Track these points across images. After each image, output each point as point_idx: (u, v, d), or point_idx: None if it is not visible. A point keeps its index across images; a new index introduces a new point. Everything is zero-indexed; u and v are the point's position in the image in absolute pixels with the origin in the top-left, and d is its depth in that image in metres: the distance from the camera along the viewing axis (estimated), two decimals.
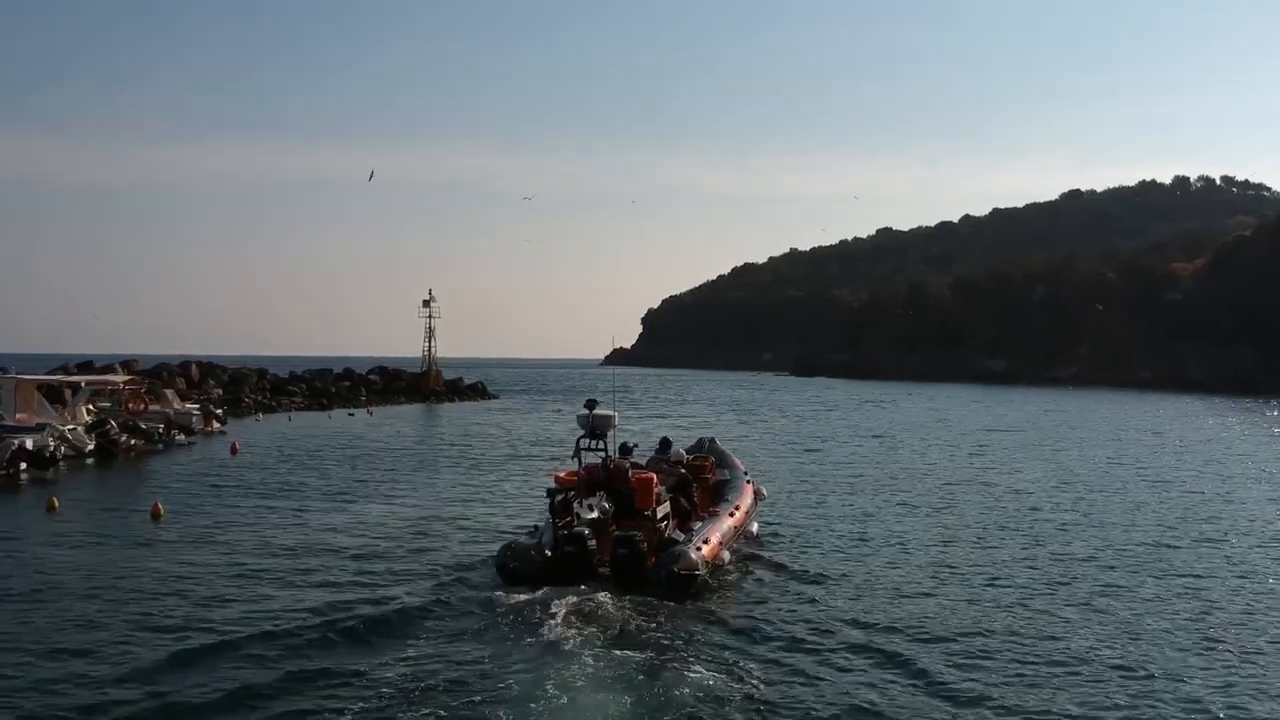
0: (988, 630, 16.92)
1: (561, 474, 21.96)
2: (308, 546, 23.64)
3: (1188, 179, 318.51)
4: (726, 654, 15.41)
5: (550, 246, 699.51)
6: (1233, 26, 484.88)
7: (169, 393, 59.59)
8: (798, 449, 50.89)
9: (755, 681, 14.15)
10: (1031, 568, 22.14)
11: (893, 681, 14.30)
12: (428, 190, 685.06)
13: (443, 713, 12.73)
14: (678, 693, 13.52)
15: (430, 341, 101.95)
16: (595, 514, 20.44)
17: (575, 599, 17.65)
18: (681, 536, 20.25)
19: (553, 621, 16.48)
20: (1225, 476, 39.81)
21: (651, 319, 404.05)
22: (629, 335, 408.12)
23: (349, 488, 33.81)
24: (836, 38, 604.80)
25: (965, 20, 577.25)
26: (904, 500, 32.43)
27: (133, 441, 45.35)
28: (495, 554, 20.32)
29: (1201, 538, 26.01)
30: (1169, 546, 24.77)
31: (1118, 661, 15.33)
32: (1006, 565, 22.33)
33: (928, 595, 19.50)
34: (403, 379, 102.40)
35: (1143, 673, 14.81)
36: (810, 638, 16.38)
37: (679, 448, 25.31)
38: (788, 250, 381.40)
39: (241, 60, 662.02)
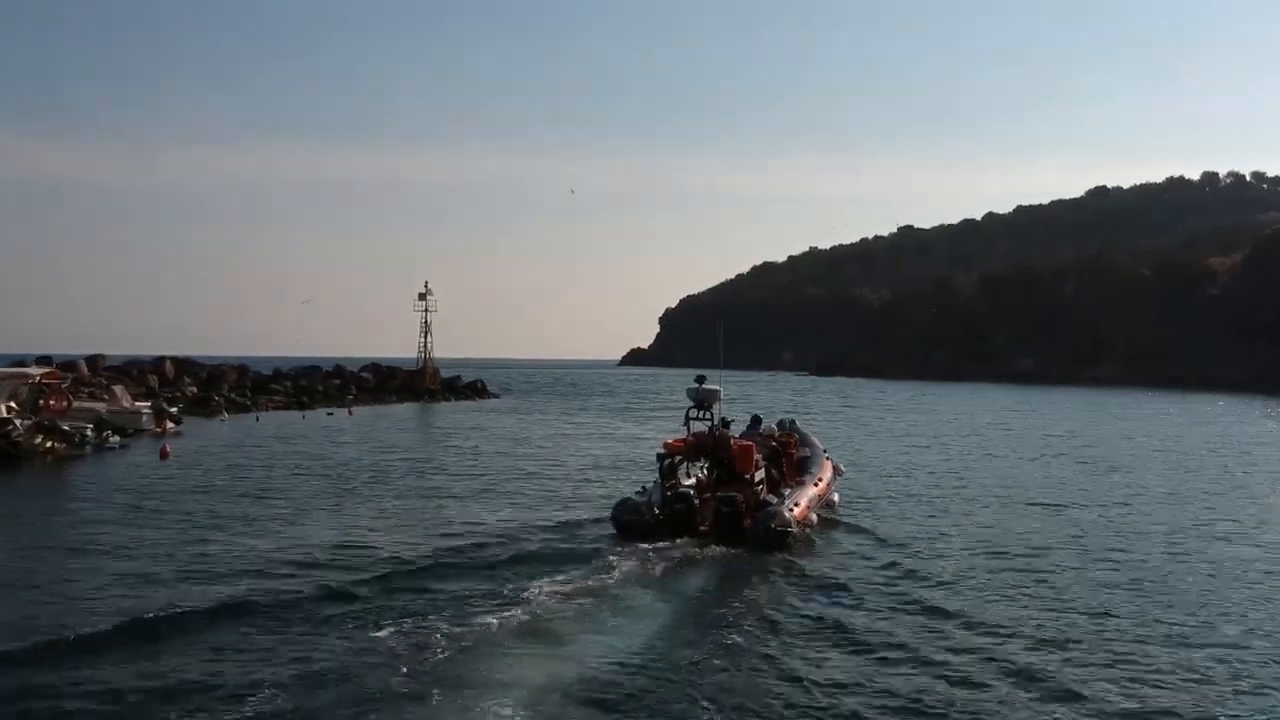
0: (1037, 594, 18.13)
1: (670, 440, 24.03)
2: (143, 588, 17.65)
3: (1217, 175, 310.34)
4: (813, 603, 17.18)
5: (569, 247, 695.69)
6: (1263, 22, 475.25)
7: (118, 390, 53.84)
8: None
9: (835, 628, 15.71)
10: (1090, 552, 22.35)
11: (952, 639, 15.20)
12: (447, 191, 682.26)
13: (587, 646, 14.40)
14: (772, 634, 15.30)
15: (426, 337, 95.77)
16: (692, 481, 23.24)
17: (684, 551, 20.37)
18: (775, 499, 22.52)
19: (665, 569, 19.05)
20: None
21: (669, 319, 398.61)
22: (646, 336, 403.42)
23: (250, 512, 26.41)
24: (855, 37, 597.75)
25: (987, 17, 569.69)
26: (969, 487, 33.48)
27: (50, 444, 39.22)
28: (611, 510, 23.03)
29: None
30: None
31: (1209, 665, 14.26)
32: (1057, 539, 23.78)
33: (990, 559, 21.22)
34: (397, 377, 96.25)
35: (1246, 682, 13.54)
36: (884, 591, 18.04)
37: (768, 424, 27.55)
38: (807, 249, 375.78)
39: (254, 63, 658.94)
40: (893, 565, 20.12)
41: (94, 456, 40.07)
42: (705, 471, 23.48)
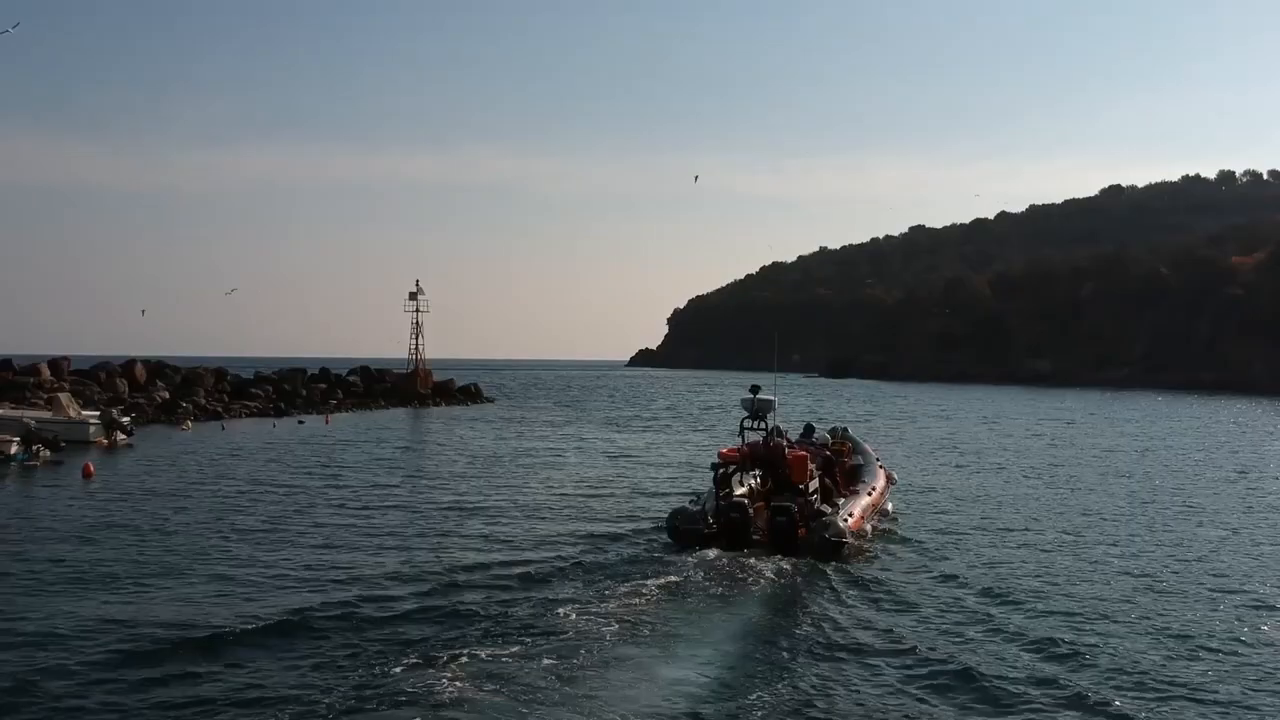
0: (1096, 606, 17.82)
1: (724, 450, 23.83)
2: None
3: (1233, 174, 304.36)
4: (871, 620, 16.86)
5: (577, 247, 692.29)
6: (1277, 18, 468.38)
7: (63, 397, 49.26)
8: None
9: (891, 640, 15.63)
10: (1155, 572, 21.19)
11: (1006, 654, 14.99)
12: (456, 192, 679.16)
13: (642, 648, 14.84)
14: (828, 652, 15.15)
15: (417, 338, 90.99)
16: (745, 489, 23.14)
17: (740, 560, 20.45)
18: (829, 509, 22.63)
19: (721, 581, 19.03)
20: None
21: (678, 319, 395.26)
22: (656, 336, 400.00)
23: (119, 569, 20.36)
24: (865, 35, 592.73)
25: (999, 15, 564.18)
26: (1024, 494, 33.34)
27: None
28: (665, 518, 22.97)
29: None
30: None
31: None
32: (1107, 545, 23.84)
33: (1049, 573, 20.64)
34: (387, 380, 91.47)
35: None
36: (943, 607, 17.75)
37: (821, 432, 28.10)
38: (817, 249, 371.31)
39: (255, 64, 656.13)
40: (950, 579, 19.87)
41: (14, 476, 35.39)
42: (758, 479, 23.66)
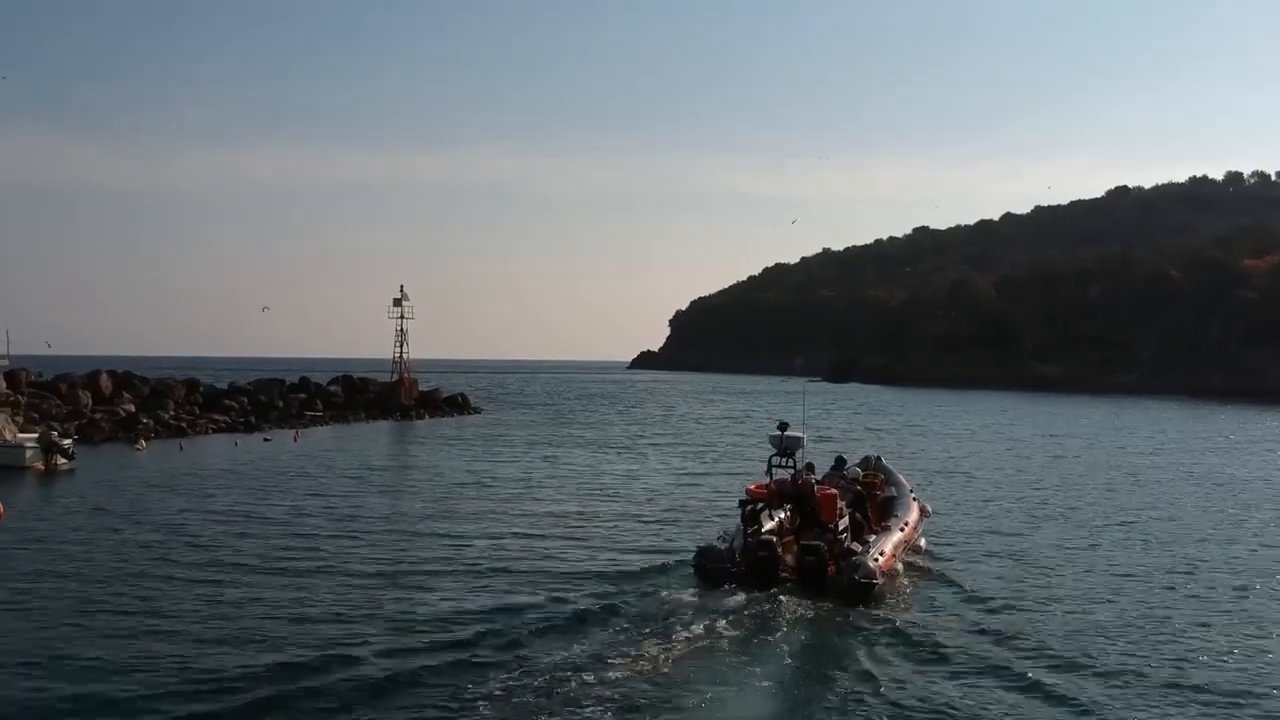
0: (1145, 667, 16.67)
1: (752, 486, 23.68)
2: None
3: (1241, 174, 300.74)
4: (900, 671, 16.43)
5: (579, 247, 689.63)
6: None
7: None
8: None
9: (921, 698, 15.10)
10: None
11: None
12: (457, 192, 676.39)
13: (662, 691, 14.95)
14: (856, 692, 15.29)
15: (402, 346, 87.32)
16: (774, 522, 22.57)
17: (769, 604, 19.71)
18: (859, 548, 22.14)
19: (749, 622, 18.59)
20: None
21: (679, 321, 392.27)
22: (658, 337, 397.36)
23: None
24: (868, 35, 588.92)
25: (1003, 15, 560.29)
26: (1062, 521, 32.31)
27: None
28: (692, 556, 22.44)
29: None
30: None
31: None
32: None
33: (1086, 618, 19.77)
34: (370, 390, 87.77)
35: None
36: (976, 657, 17.07)
37: (853, 465, 27.38)
38: (820, 250, 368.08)
39: (256, 65, 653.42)
40: (987, 629, 19.03)
41: None
42: (788, 512, 23.10)
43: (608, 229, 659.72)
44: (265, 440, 58.95)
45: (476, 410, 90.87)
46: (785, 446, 23.95)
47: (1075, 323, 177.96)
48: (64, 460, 43.95)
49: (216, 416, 68.75)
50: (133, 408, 66.54)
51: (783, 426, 24.04)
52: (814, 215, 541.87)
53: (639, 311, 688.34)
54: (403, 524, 30.74)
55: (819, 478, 24.77)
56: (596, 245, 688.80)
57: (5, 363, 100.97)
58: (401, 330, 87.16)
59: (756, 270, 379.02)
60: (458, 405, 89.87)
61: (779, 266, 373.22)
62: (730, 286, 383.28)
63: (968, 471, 46.99)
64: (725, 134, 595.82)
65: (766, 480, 23.87)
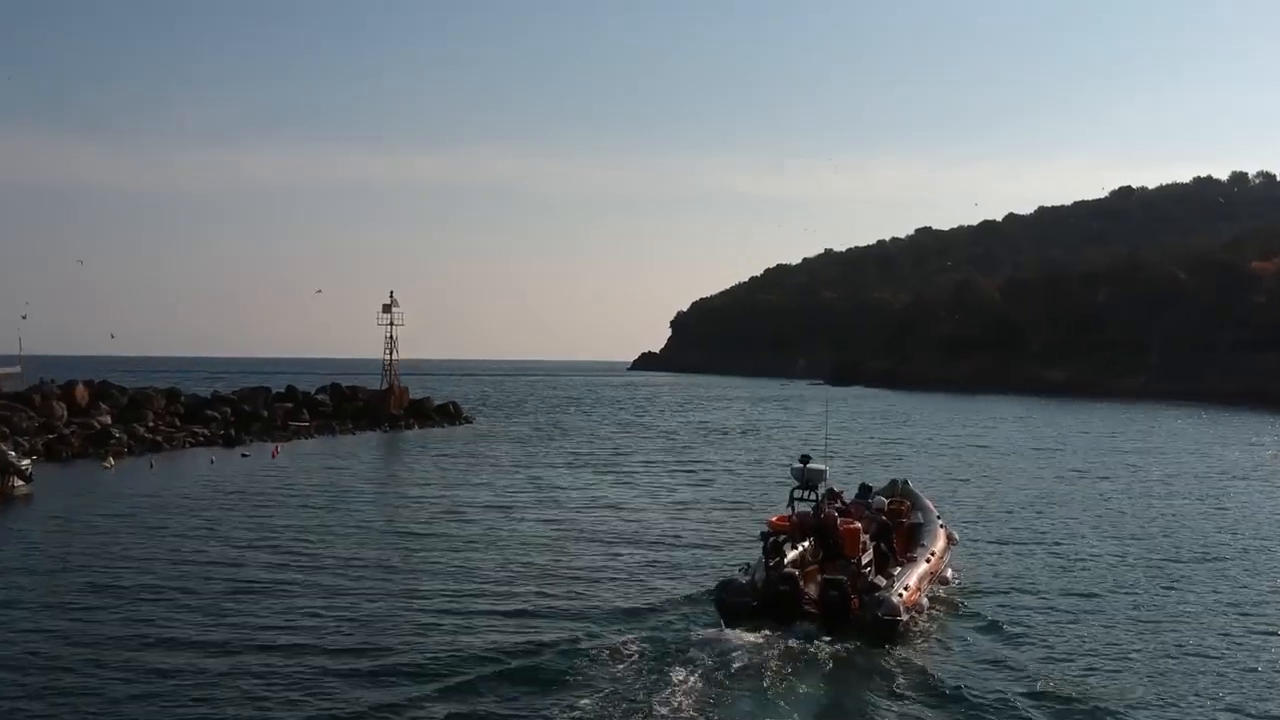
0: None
1: (774, 518, 23.20)
2: None
3: (1246, 175, 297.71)
4: (922, 708, 16.43)
5: (580, 247, 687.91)
6: None
7: None
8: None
9: None
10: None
11: None
12: (457, 192, 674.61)
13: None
14: None
15: (392, 354, 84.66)
16: (796, 553, 21.91)
17: (791, 642, 19.35)
18: (883, 582, 21.54)
19: (770, 662, 18.27)
20: None
21: (680, 322, 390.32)
22: (658, 337, 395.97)
23: None
24: (870, 34, 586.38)
25: (1003, 15, 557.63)
26: (1090, 546, 31.32)
27: None
28: (713, 590, 21.74)
29: None
30: None
31: None
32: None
33: (1123, 660, 19.11)
34: (359, 398, 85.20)
35: None
36: (1003, 705, 16.54)
37: (878, 495, 26.65)
38: (822, 251, 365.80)
39: (257, 66, 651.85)
40: (1015, 669, 18.67)
41: None
42: (810, 545, 22.61)
43: (608, 229, 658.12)
44: (243, 456, 56.14)
45: (468, 420, 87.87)
46: (807, 479, 23.49)
47: (1081, 326, 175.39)
48: (20, 483, 41.31)
49: (196, 429, 66.21)
50: (109, 419, 64.11)
51: (804, 459, 23.64)
52: (814, 215, 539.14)
53: (639, 311, 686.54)
54: (385, 558, 28.57)
55: (844, 504, 24.55)
56: (596, 245, 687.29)
57: (17, 368, 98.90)
58: (391, 337, 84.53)
59: (757, 271, 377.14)
60: (449, 415, 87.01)
61: (780, 267, 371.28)
62: (732, 287, 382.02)
63: (988, 490, 44.93)
64: (725, 134, 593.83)
65: (788, 512, 23.41)
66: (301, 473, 48.54)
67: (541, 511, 37.91)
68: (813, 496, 23.50)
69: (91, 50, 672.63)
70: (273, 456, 55.72)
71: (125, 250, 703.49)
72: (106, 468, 49.73)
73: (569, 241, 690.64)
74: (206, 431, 65.78)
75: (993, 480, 48.87)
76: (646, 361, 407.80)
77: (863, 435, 75.83)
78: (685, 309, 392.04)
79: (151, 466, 50.26)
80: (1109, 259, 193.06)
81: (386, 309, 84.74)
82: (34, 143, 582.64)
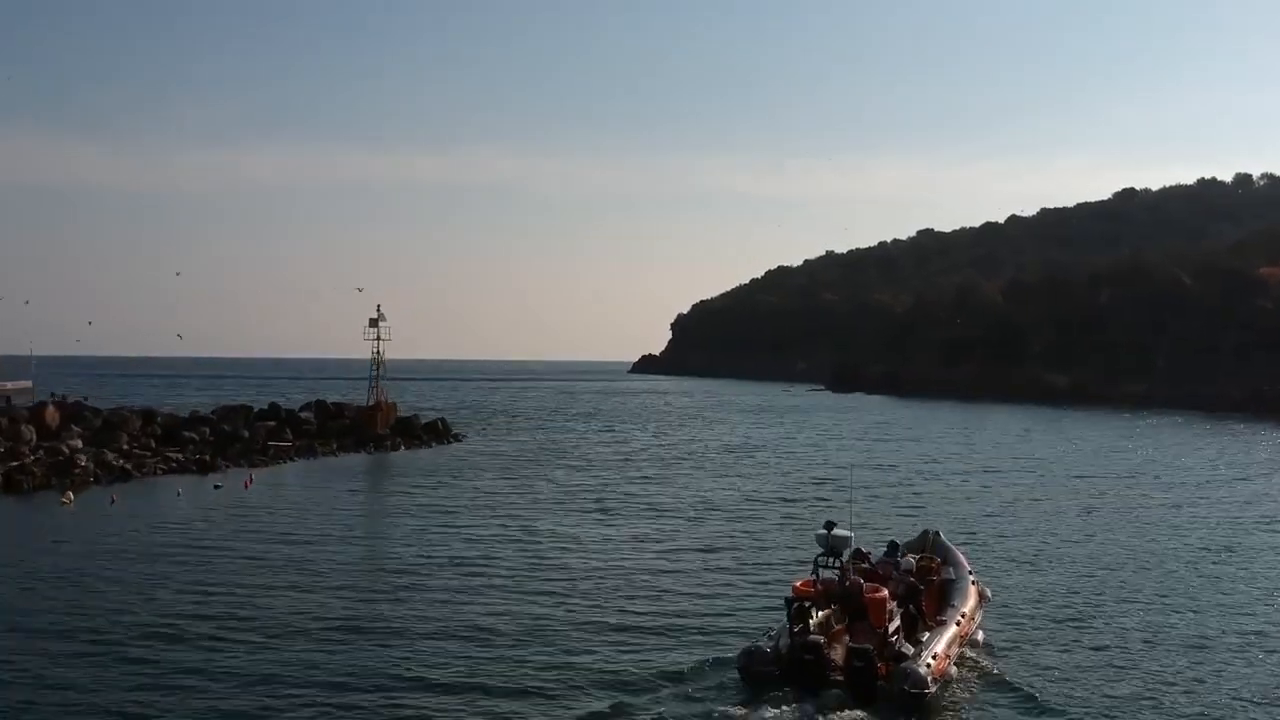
0: None
1: (798, 583, 22.77)
2: None
3: (1250, 176, 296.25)
4: None
5: (580, 247, 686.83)
6: None
7: None
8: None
9: None
10: None
11: None
12: (457, 192, 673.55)
13: None
14: None
15: (378, 369, 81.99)
16: (821, 618, 21.90)
17: (817, 715, 19.18)
18: (911, 650, 21.20)
19: None
20: None
21: (681, 324, 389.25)
22: (658, 337, 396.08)
23: None
24: (871, 34, 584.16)
25: (1003, 15, 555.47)
26: (1136, 591, 30.24)
27: None
28: (736, 656, 21.58)
29: None
30: None
31: None
32: None
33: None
34: (345, 415, 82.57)
35: None
36: None
37: (907, 555, 25.72)
38: (823, 253, 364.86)
39: (258, 67, 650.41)
40: None
41: None
42: (835, 611, 22.42)
43: (608, 229, 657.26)
44: (215, 487, 53.00)
45: (458, 438, 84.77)
46: (832, 546, 22.96)
47: (1085, 329, 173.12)
48: None
49: (171, 453, 63.54)
50: (80, 443, 61.59)
51: (829, 525, 23.16)
52: (814, 216, 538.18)
53: (639, 311, 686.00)
54: (352, 618, 26.40)
55: (870, 564, 24.31)
56: (596, 245, 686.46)
57: (29, 383, 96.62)
58: (378, 352, 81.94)
59: (758, 271, 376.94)
60: (437, 433, 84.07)
61: (781, 269, 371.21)
62: (732, 289, 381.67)
63: (1013, 528, 42.86)
64: (725, 134, 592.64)
65: (813, 577, 23.04)
66: (269, 512, 45.14)
67: (534, 561, 35.34)
68: (838, 564, 22.95)
69: (91, 50, 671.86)
70: (245, 488, 52.66)
71: (125, 250, 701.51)
72: (64, 504, 46.98)
73: (569, 241, 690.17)
74: (181, 456, 63.08)
75: (1016, 515, 46.50)
76: (647, 364, 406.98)
77: (872, 462, 72.30)
78: (685, 311, 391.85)
79: (113, 502, 47.23)
80: (1112, 262, 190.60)
81: (374, 323, 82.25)
82: (34, 143, 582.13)
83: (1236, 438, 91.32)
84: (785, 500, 51.06)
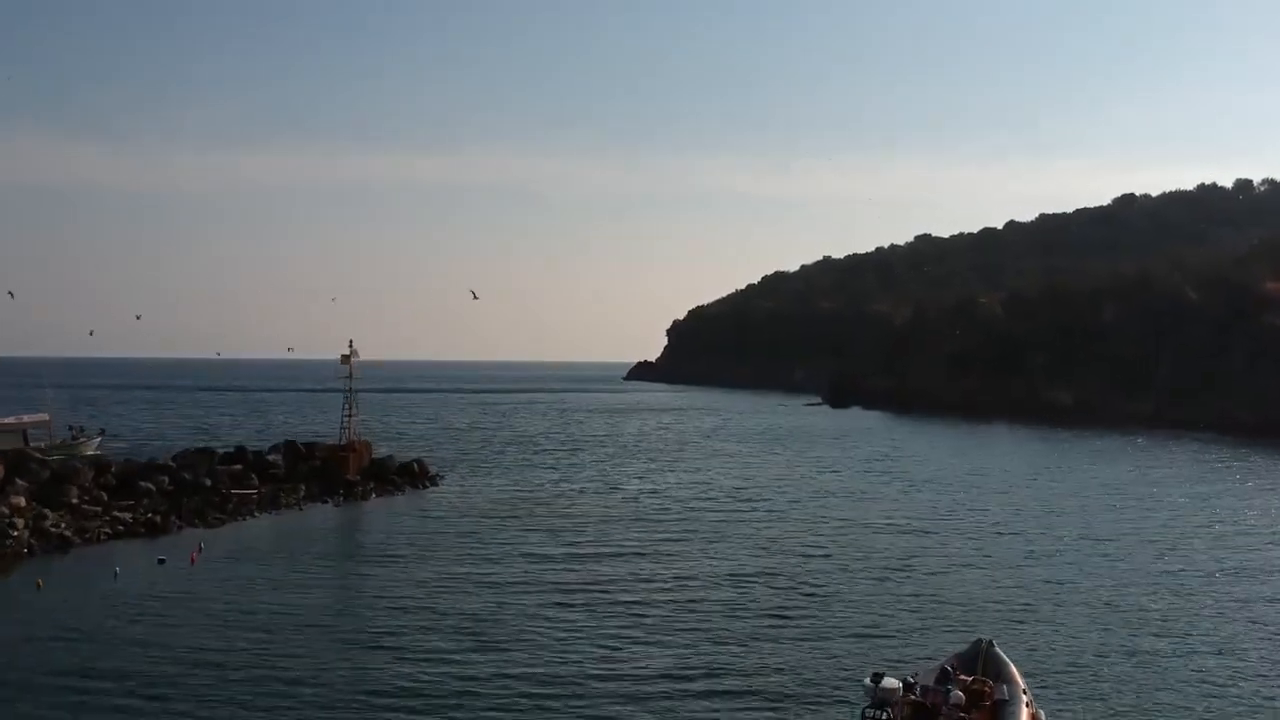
0: None
1: None
2: None
3: (1250, 181, 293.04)
4: None
5: (579, 248, 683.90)
6: None
7: None
8: None
9: None
10: None
11: None
12: (457, 193, 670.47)
13: None
14: None
15: (351, 408, 77.63)
16: None
17: None
18: None
19: None
20: None
21: (677, 331, 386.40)
22: (656, 339, 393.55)
23: None
24: (870, 37, 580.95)
25: (1003, 15, 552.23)
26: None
27: None
28: None
29: None
30: None
31: None
32: None
33: None
34: (316, 456, 78.00)
35: None
36: None
37: (959, 678, 24.68)
38: (821, 258, 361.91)
39: (257, 67, 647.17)
40: None
41: None
42: None
43: (608, 229, 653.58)
44: (159, 562, 47.78)
45: (434, 481, 79.19)
46: (880, 699, 22.61)
47: (1087, 343, 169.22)
48: None
49: (120, 512, 58.99)
50: (23, 500, 57.27)
51: (876, 678, 23.00)
52: (814, 216, 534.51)
53: (638, 312, 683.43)
54: None
55: (917, 696, 23.52)
56: (596, 245, 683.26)
57: (45, 415, 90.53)
58: (350, 391, 77.55)
59: (756, 274, 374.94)
60: (413, 475, 78.71)
61: (778, 274, 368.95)
62: (729, 295, 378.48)
63: (1065, 619, 38.70)
64: (725, 134, 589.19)
65: None
66: (210, 601, 40.52)
67: (485, 668, 31.21)
68: (887, 716, 22.34)
69: (91, 50, 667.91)
70: (191, 563, 48.04)
71: (125, 250, 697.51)
72: (39, 586, 42.38)
73: (569, 241, 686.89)
74: (130, 517, 58.54)
75: (1049, 598, 41.86)
76: (643, 371, 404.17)
77: (878, 514, 67.85)
78: (682, 317, 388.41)
79: (39, 586, 42.45)
80: (1114, 275, 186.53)
81: (345, 359, 77.97)
82: (34, 143, 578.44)
83: (1258, 472, 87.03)
84: (802, 592, 43.81)
